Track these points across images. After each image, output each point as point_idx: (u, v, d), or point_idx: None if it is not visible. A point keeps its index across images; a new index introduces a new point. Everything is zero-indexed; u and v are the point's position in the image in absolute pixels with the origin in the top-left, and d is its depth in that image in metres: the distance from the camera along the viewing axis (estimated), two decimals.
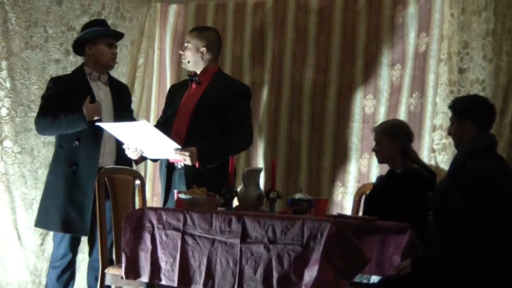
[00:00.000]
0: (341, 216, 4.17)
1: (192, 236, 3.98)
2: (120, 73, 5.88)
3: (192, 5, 6.19)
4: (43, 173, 5.46)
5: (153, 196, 6.17)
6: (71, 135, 4.98)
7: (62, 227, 4.95)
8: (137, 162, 5.01)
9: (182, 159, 4.69)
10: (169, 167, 4.90)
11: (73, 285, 5.10)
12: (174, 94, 5.08)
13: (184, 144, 4.73)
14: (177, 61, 5.96)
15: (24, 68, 5.54)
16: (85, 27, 5.20)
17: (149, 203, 5.79)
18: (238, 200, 4.26)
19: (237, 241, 3.84)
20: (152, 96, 6.30)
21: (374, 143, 4.62)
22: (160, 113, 5.29)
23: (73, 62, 5.63)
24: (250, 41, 5.99)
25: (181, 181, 4.83)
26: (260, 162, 5.87)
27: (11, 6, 5.46)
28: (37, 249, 5.59)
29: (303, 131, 5.77)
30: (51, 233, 5.29)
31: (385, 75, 5.54)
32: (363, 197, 4.97)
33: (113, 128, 4.80)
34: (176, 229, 4.02)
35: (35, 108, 5.34)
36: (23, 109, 5.52)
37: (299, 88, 5.80)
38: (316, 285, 3.57)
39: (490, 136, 3.97)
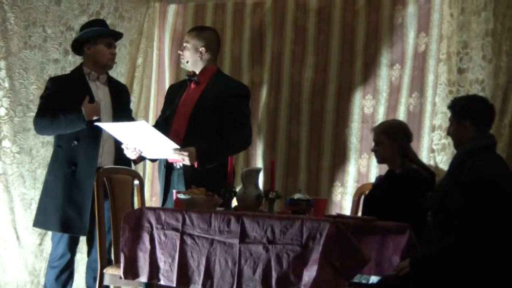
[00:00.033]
0: (340, 216, 4.16)
1: (191, 236, 3.97)
2: (119, 73, 5.88)
3: (191, 5, 6.19)
4: (41, 173, 5.45)
5: (152, 196, 6.16)
6: (70, 135, 4.97)
7: (60, 227, 4.95)
8: (136, 162, 5.01)
9: (181, 159, 4.69)
10: (168, 167, 4.90)
11: (71, 285, 5.10)
12: (173, 94, 5.07)
13: (183, 144, 4.72)
14: (176, 61, 5.96)
15: (23, 68, 5.53)
16: (84, 27, 5.20)
17: (148, 203, 5.79)
18: (237, 200, 4.26)
19: (236, 241, 3.84)
20: (151, 96, 6.29)
21: (373, 144, 4.61)
22: (159, 113, 5.29)
23: (72, 62, 5.62)
24: (249, 41, 5.98)
25: (180, 181, 4.83)
26: (259, 162, 5.86)
27: (10, 5, 5.46)
28: (36, 249, 5.58)
29: (302, 131, 5.77)
30: (49, 233, 5.29)
31: (384, 75, 5.54)
32: (362, 197, 4.97)
33: (112, 128, 4.79)
34: (175, 229, 4.02)
35: (34, 108, 5.33)
36: (22, 109, 5.51)
37: (298, 88, 5.79)
38: (315, 285, 3.56)
39: (489, 136, 3.97)
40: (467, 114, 3.92)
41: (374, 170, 5.42)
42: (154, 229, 4.08)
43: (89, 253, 5.13)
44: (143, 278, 4.09)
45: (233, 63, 6.02)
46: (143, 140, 4.69)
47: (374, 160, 4.91)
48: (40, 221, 5.06)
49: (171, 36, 6.21)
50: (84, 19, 5.64)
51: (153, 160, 5.28)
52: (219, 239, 3.89)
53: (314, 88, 5.74)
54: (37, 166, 5.57)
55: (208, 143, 4.76)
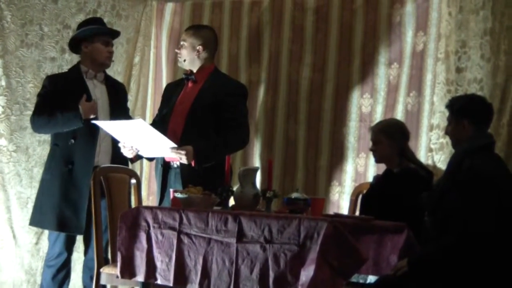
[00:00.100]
0: (338, 216, 4.16)
1: (188, 235, 3.96)
2: (115, 71, 5.87)
3: (189, 3, 6.18)
4: (38, 172, 5.44)
5: (149, 195, 6.16)
6: (66, 134, 4.96)
7: (57, 225, 4.93)
8: (133, 160, 5.00)
9: (178, 158, 4.68)
10: (165, 166, 4.89)
11: (68, 284, 5.08)
12: (170, 93, 5.07)
13: (180, 143, 4.71)
14: (173, 59, 5.95)
15: (20, 66, 5.51)
16: (81, 25, 5.18)
17: (144, 202, 5.78)
18: (234, 199, 4.25)
19: (233, 240, 3.83)
20: (148, 95, 6.28)
21: (371, 143, 4.60)
22: (156, 111, 5.29)
23: (68, 60, 5.61)
24: (247, 39, 5.97)
25: (177, 180, 4.82)
26: (256, 161, 5.86)
27: (7, 4, 5.44)
28: (32, 248, 5.56)
29: (299, 130, 5.76)
30: (46, 232, 5.27)
31: (382, 74, 5.53)
32: (360, 196, 4.96)
33: (109, 126, 4.78)
34: (172, 228, 4.01)
35: (31, 106, 5.32)
36: (19, 107, 5.50)
37: (295, 87, 5.79)
38: (312, 284, 3.55)
39: (487, 136, 3.97)
40: (465, 113, 3.92)
41: (371, 169, 5.42)
42: (151, 228, 4.07)
43: (85, 252, 5.12)
44: (140, 277, 4.08)
45: (230, 62, 6.01)
46: (140, 138, 4.69)
47: (372, 159, 4.91)
48: (36, 220, 5.05)
49: (168, 35, 6.21)
50: (81, 17, 5.62)
51: (150, 159, 5.27)
52: (216, 239, 3.88)
53: (311, 87, 5.74)
54: (34, 164, 5.56)
55: (206, 142, 4.75)
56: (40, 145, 5.57)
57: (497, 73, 4.87)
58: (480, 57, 4.93)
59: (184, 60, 4.97)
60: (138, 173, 5.71)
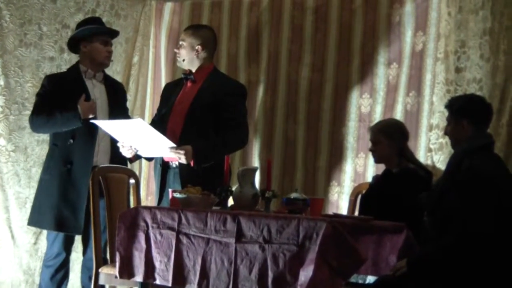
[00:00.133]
0: (337, 216, 4.15)
1: (187, 235, 3.96)
2: (114, 71, 5.86)
3: (188, 3, 6.17)
4: (37, 172, 5.44)
5: (148, 195, 6.15)
6: (65, 133, 4.96)
7: (55, 225, 4.93)
8: (131, 160, 4.99)
9: (177, 158, 4.67)
10: (164, 166, 4.88)
11: (66, 285, 5.08)
12: (169, 93, 5.06)
13: (179, 143, 4.71)
14: (172, 59, 5.95)
15: (18, 66, 5.51)
16: (80, 25, 5.18)
17: (143, 202, 5.77)
18: (233, 199, 4.24)
19: (232, 240, 3.82)
20: (147, 95, 6.28)
21: (370, 143, 4.60)
22: (155, 111, 5.28)
23: (67, 60, 5.61)
24: (246, 39, 5.97)
25: (175, 180, 4.81)
26: (255, 161, 5.85)
27: (5, 3, 5.44)
28: (31, 248, 5.56)
29: (299, 130, 5.75)
30: (44, 232, 5.27)
31: (381, 74, 5.53)
32: (359, 196, 4.95)
33: (107, 126, 4.78)
34: (171, 228, 4.00)
35: (29, 106, 5.32)
36: (17, 107, 5.50)
37: (295, 87, 5.78)
38: (311, 285, 3.55)
39: (487, 136, 3.96)
40: (465, 114, 3.91)
41: (371, 169, 5.41)
42: (150, 228, 4.06)
43: (84, 252, 5.11)
44: (139, 277, 4.07)
45: (229, 62, 6.01)
46: (139, 138, 4.68)
47: (371, 159, 4.90)
48: (35, 220, 5.04)
49: (167, 34, 6.20)
50: (79, 17, 5.62)
51: (149, 159, 5.26)
52: (215, 239, 3.87)
53: (311, 87, 5.73)
54: (32, 164, 5.55)
55: (205, 141, 4.75)
56: (38, 145, 5.56)
57: (496, 73, 4.87)
58: (480, 57, 4.93)
59: (183, 60, 4.97)
60: (137, 173, 5.70)
